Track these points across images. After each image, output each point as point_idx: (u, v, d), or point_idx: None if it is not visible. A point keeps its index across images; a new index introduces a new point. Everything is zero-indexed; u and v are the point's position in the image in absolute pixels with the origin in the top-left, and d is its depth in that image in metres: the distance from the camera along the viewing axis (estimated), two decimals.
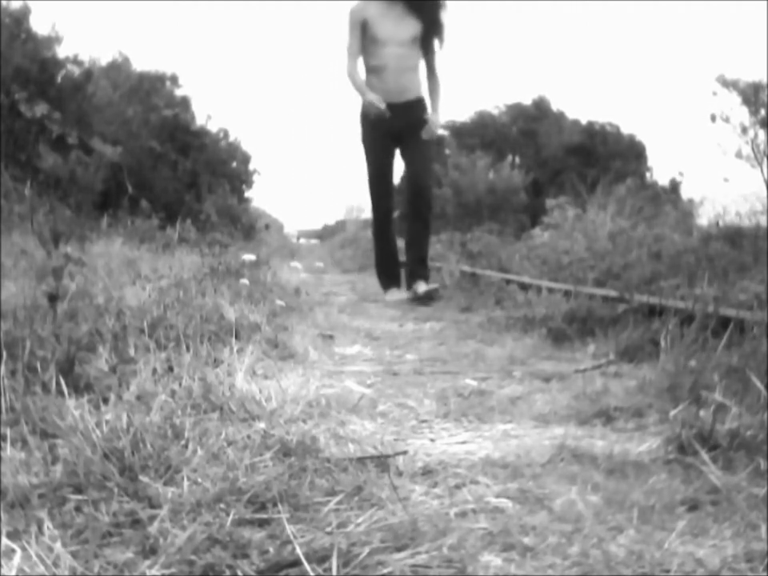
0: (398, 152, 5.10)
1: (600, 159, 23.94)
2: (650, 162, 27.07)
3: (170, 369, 1.84)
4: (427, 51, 5.02)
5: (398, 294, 4.99)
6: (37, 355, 1.68)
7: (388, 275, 5.18)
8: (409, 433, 1.58)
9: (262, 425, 1.47)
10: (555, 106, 28.16)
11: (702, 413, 1.43)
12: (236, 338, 2.35)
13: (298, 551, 0.91)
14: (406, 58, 4.93)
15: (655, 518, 1.08)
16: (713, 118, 15.43)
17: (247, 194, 17.52)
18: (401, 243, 5.24)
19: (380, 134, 4.92)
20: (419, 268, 4.93)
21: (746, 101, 15.43)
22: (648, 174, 25.50)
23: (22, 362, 1.61)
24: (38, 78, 10.74)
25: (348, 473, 1.24)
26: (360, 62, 5.03)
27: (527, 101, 28.72)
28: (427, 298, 4.67)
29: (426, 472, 1.29)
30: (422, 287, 4.76)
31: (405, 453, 1.35)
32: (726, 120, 15.52)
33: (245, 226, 14.52)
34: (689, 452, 1.31)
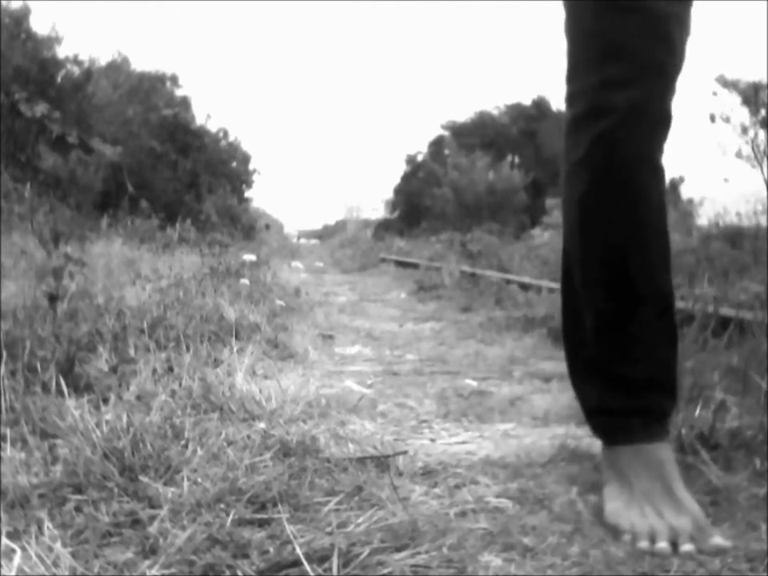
0: None
1: None
2: None
3: (170, 369, 1.84)
4: None
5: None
6: (37, 355, 1.68)
7: (617, 388, 1.16)
8: (409, 433, 1.58)
9: (262, 425, 1.47)
10: (555, 105, 28.14)
11: (702, 413, 1.43)
12: (236, 338, 2.35)
13: (298, 551, 0.91)
14: None
15: None
16: (712, 118, 15.44)
17: (247, 194, 17.54)
18: None
19: None
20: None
21: (746, 101, 15.44)
22: None
23: (21, 362, 1.62)
24: (38, 78, 10.75)
25: (348, 473, 1.24)
26: None
27: (527, 101, 28.68)
28: None
29: (426, 472, 1.29)
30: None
31: (405, 453, 1.35)
32: (726, 120, 15.54)
33: (245, 226, 14.53)
34: (689, 452, 1.31)
